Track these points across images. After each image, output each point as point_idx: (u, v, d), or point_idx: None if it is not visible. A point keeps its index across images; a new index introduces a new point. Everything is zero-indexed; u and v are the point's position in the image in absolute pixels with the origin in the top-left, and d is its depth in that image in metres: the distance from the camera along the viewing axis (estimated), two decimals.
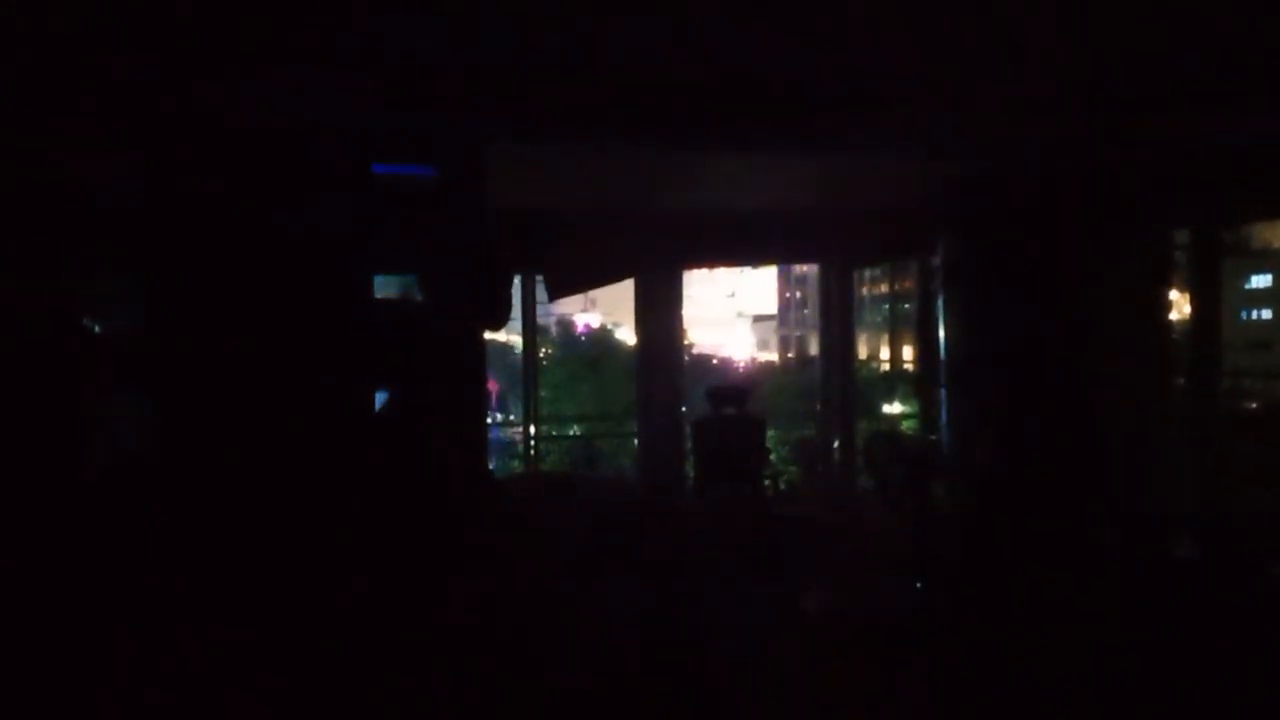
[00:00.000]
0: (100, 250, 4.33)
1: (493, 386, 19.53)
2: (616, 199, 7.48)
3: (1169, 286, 6.41)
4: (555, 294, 8.02)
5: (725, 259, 9.01)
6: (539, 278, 8.18)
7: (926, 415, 7.19)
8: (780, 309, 46.76)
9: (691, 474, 8.31)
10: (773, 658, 5.31)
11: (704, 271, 25.88)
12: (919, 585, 6.61)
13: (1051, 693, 4.82)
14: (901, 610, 6.32)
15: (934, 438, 6.92)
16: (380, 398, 4.53)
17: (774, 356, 40.45)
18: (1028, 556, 6.07)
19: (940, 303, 6.63)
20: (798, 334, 42.64)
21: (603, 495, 7.12)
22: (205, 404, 4.31)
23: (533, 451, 8.92)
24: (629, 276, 8.48)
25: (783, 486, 9.23)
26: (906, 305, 11.46)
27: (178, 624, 3.98)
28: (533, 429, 8.86)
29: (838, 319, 8.83)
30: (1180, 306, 6.59)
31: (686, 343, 29.36)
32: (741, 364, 32.95)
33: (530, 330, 8.64)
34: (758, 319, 45.96)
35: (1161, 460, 6.09)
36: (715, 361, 31.62)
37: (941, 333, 6.67)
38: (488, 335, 5.34)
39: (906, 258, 8.14)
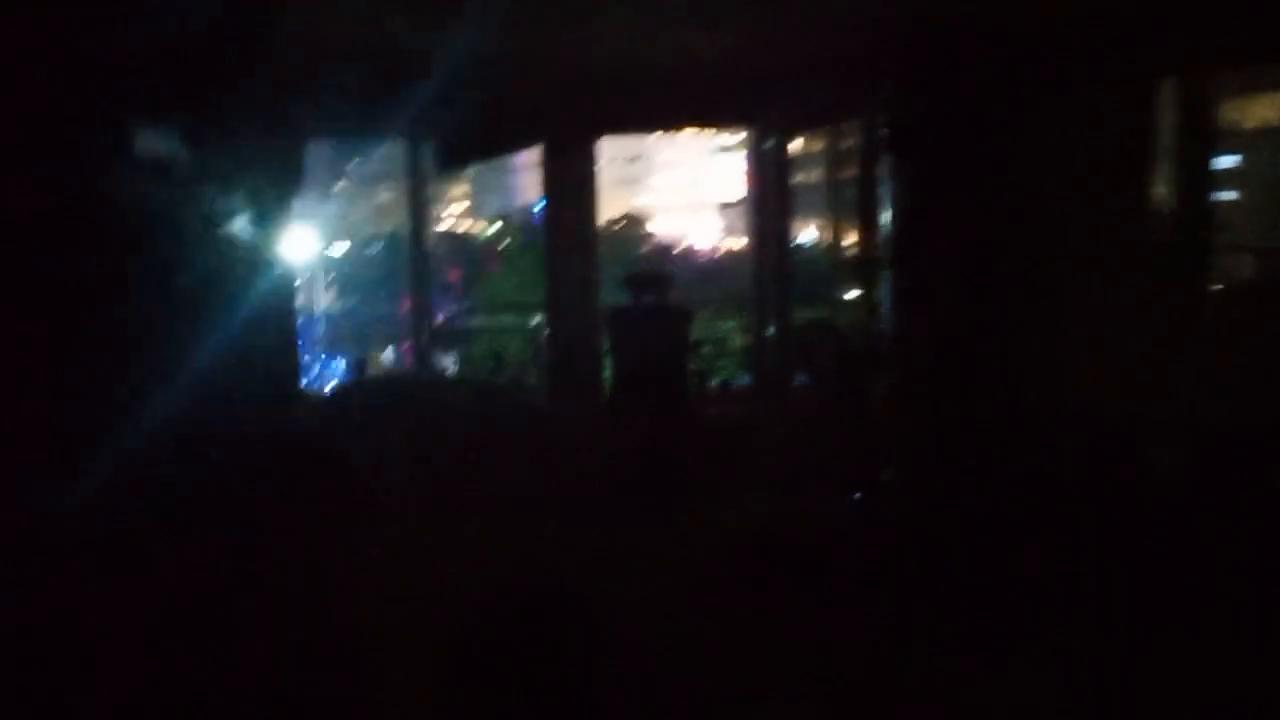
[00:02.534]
0: None
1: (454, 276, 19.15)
2: (512, 44, 6.31)
3: (1147, 166, 5.45)
4: (448, 165, 6.93)
5: (641, 122, 7.90)
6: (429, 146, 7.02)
7: (866, 302, 6.24)
8: (751, 194, 45.54)
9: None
10: (667, 602, 4.43)
11: (665, 156, 24.87)
12: (856, 498, 5.78)
13: (1005, 623, 4.10)
14: (834, 530, 5.53)
15: (873, 328, 6.00)
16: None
17: (741, 243, 39.33)
18: (978, 463, 5.22)
19: (885, 174, 5.63)
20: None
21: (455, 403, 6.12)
22: None
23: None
24: (531, 145, 7.38)
25: (712, 383, 8.31)
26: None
27: None
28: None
29: (772, 193, 7.77)
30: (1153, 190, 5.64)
31: (644, 233, 28.60)
32: (705, 252, 31.85)
33: (419, 213, 7.40)
34: (725, 205, 44.68)
35: (1137, 357, 5.18)
36: (676, 251, 30.51)
37: (888, 209, 5.68)
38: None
39: (848, 119, 7.06)
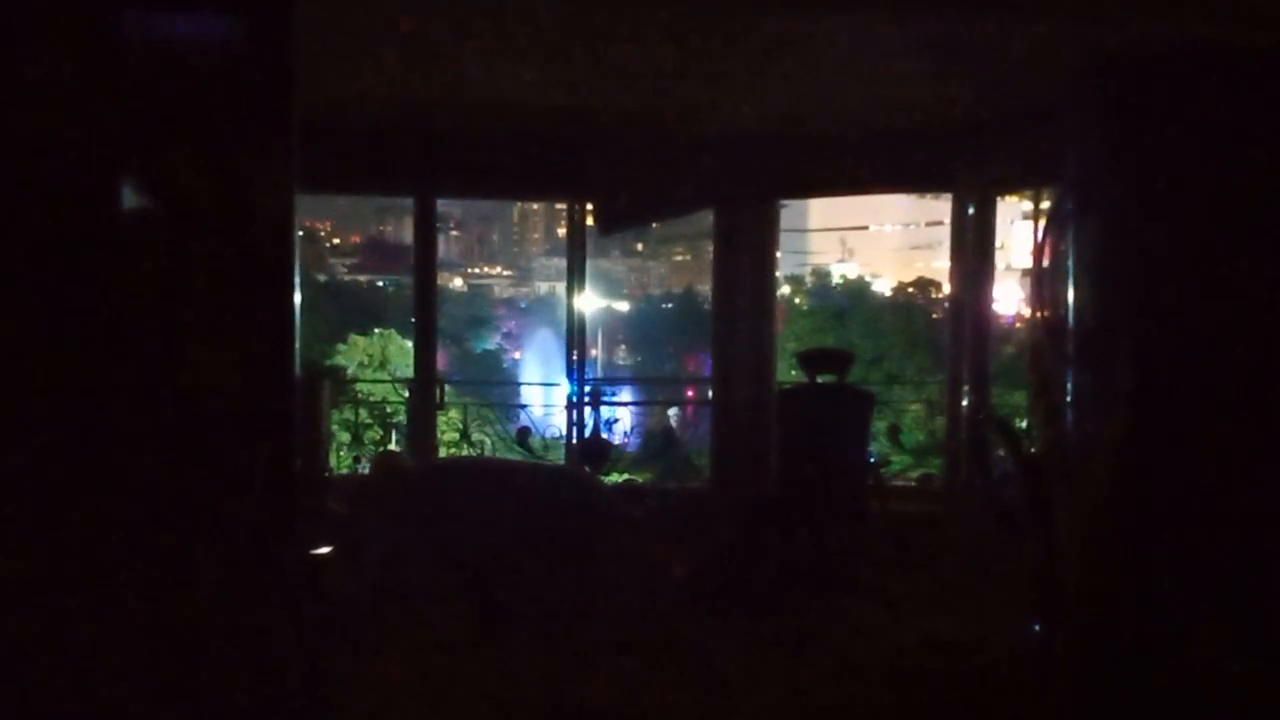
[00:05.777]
0: None
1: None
2: (681, 105, 5.93)
3: None
4: (608, 229, 6.58)
5: (823, 185, 7.21)
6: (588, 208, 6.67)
7: (1044, 398, 5.18)
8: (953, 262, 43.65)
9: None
10: None
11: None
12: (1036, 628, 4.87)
13: None
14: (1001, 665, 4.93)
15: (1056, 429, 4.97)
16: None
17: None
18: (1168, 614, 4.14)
19: (1070, 239, 4.63)
20: None
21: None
22: None
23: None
24: (705, 207, 6.90)
25: (888, 475, 7.35)
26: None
27: None
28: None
29: (972, 259, 6.80)
30: None
31: (935, 297, 27.18)
32: (999, 320, 30.29)
33: (577, 274, 6.98)
34: (1026, 272, 42.26)
35: None
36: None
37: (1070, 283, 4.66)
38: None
39: (1050, 181, 6.01)
